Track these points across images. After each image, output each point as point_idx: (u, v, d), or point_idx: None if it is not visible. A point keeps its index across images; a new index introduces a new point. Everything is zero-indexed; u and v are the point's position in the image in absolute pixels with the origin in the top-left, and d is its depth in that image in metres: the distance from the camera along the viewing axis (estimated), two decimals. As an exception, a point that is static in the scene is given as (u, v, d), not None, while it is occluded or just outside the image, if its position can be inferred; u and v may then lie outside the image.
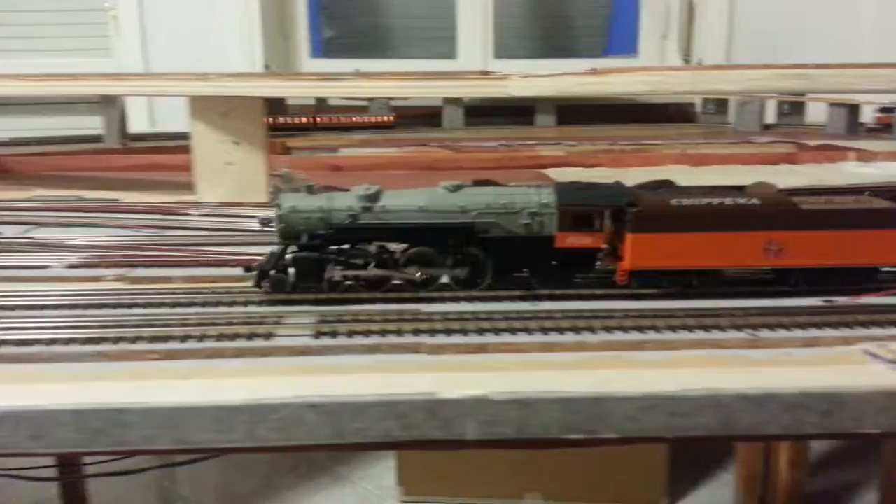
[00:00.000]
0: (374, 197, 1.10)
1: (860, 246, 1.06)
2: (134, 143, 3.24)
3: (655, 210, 1.07)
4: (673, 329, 0.97)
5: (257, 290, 1.10)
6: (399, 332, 0.96)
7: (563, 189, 1.11)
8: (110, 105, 3.07)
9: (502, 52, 4.39)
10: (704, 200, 1.07)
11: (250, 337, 0.96)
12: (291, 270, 1.09)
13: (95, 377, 0.87)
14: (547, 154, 2.72)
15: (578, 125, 3.81)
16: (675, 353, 0.91)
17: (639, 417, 0.81)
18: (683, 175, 2.09)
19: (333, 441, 0.83)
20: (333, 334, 0.96)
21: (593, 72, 2.18)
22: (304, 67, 4.39)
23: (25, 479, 2.12)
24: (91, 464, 2.52)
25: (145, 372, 0.88)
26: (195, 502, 3.17)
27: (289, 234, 1.10)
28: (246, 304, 1.09)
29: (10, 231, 1.61)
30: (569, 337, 0.95)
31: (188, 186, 2.20)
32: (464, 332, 0.97)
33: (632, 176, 1.40)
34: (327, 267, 1.08)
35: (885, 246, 1.06)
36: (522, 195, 1.10)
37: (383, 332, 0.96)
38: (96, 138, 3.64)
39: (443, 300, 1.10)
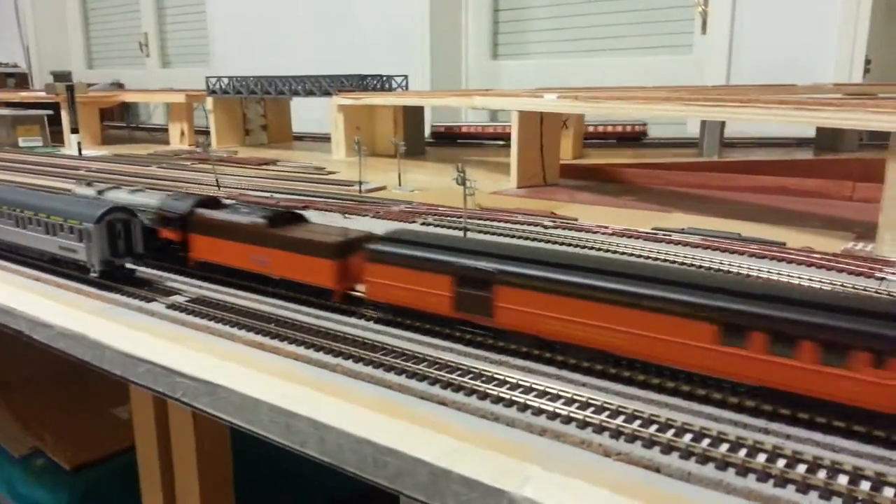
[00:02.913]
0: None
1: (300, 266, 1.39)
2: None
3: (200, 219, 1.58)
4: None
5: None
6: None
7: (165, 198, 1.68)
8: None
9: None
10: (223, 216, 1.55)
11: None
12: None
13: None
14: None
15: None
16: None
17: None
18: None
19: None
20: None
21: None
22: (916, 59, 3.62)
23: None
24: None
25: None
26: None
27: None
28: None
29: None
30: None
31: (841, 225, 1.90)
32: None
33: None
34: None
35: (314, 270, 1.37)
36: (151, 200, 1.69)
37: None
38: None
39: None
